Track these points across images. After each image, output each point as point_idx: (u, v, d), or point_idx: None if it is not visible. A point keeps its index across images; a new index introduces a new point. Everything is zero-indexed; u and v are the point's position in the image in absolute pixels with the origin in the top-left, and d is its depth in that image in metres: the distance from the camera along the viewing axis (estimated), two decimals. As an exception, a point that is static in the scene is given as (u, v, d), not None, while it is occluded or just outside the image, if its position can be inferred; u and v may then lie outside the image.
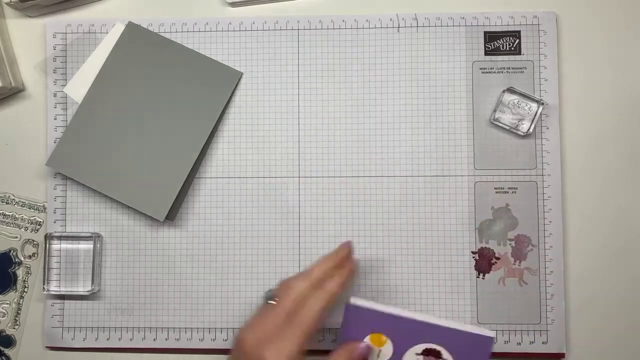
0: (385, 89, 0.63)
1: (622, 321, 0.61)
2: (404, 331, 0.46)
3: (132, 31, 0.63)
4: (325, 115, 0.63)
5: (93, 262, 0.62)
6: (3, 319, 0.64)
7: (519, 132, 0.61)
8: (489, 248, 0.61)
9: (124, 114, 0.62)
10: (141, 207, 0.61)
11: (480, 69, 0.62)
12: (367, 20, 0.63)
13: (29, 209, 0.64)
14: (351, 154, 0.63)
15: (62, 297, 0.63)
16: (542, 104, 0.61)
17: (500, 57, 0.62)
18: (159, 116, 0.62)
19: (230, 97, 0.63)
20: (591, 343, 0.61)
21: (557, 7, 0.63)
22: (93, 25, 0.64)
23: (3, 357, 0.64)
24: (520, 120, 0.61)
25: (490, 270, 0.61)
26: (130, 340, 0.62)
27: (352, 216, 0.62)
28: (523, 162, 0.62)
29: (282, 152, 0.63)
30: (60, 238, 0.63)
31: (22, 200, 0.64)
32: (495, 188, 0.62)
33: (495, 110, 0.61)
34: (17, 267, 0.64)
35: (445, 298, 0.61)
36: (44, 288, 0.62)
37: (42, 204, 0.64)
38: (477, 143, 0.62)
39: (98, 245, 0.63)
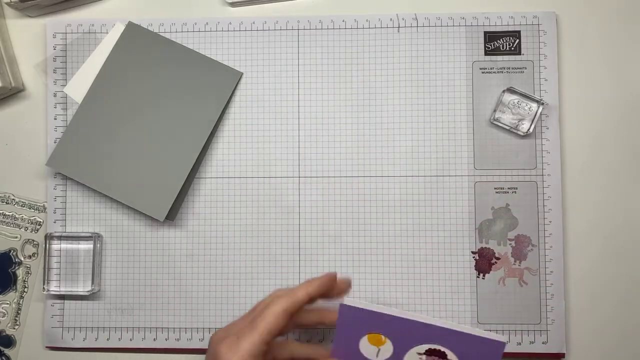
0: (385, 89, 0.63)
1: (622, 321, 0.61)
2: (404, 332, 0.45)
3: (132, 31, 0.63)
4: (325, 115, 0.63)
5: (93, 262, 0.62)
6: (3, 319, 0.64)
7: (519, 132, 0.61)
8: (489, 248, 0.61)
9: (124, 114, 0.62)
10: (141, 207, 0.61)
11: (480, 69, 0.62)
12: (367, 20, 0.63)
13: (29, 209, 0.64)
14: (351, 154, 0.63)
15: (62, 297, 0.63)
16: (542, 104, 0.61)
17: (500, 57, 0.62)
18: (159, 116, 0.62)
19: (230, 97, 0.63)
20: (591, 343, 0.61)
21: (557, 7, 0.63)
22: (93, 25, 0.64)
23: (3, 357, 0.64)
24: (520, 120, 0.61)
25: (490, 270, 0.61)
26: (130, 340, 0.62)
27: (352, 216, 0.62)
28: (523, 162, 0.62)
29: (282, 152, 0.63)
30: (60, 238, 0.63)
31: (22, 200, 0.64)
32: (495, 188, 0.62)
33: (495, 110, 0.61)
34: (17, 267, 0.64)
35: (445, 298, 0.61)
36: (44, 288, 0.62)
37: (42, 204, 0.64)
38: (477, 143, 0.62)
39: (98, 245, 0.63)
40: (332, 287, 0.51)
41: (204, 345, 0.62)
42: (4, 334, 0.64)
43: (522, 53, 0.62)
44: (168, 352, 0.63)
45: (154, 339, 0.62)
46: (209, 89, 0.62)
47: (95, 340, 0.63)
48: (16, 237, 0.65)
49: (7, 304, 0.64)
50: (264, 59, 0.63)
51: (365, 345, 0.46)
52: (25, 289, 0.64)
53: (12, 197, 0.65)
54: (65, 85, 0.64)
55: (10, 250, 0.65)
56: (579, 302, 0.62)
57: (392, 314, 0.45)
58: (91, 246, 0.63)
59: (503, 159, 0.62)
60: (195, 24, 0.64)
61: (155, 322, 0.62)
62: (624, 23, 0.63)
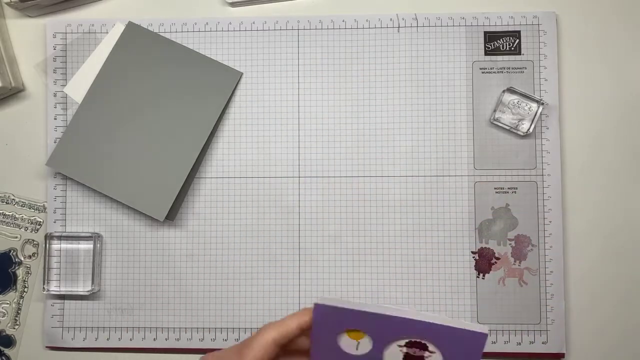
0: (385, 89, 0.63)
1: (622, 321, 0.61)
2: (382, 327, 0.44)
3: (132, 31, 0.63)
4: (325, 115, 0.63)
5: (93, 262, 0.62)
6: (3, 319, 0.64)
7: (519, 132, 0.61)
8: (489, 248, 0.61)
9: (124, 114, 0.62)
10: (141, 207, 0.61)
11: (480, 69, 0.62)
12: (367, 20, 0.63)
13: (29, 209, 0.64)
14: (351, 154, 0.63)
15: (62, 297, 0.63)
16: (542, 104, 0.61)
17: (500, 57, 0.62)
18: (159, 116, 0.62)
19: (230, 97, 0.63)
20: (591, 343, 0.61)
21: (557, 7, 0.63)
22: (93, 25, 0.64)
23: (3, 357, 0.64)
24: (520, 120, 0.61)
25: (490, 270, 0.61)
26: (130, 340, 0.62)
27: (352, 216, 0.62)
28: (523, 162, 0.62)
29: (282, 152, 0.63)
30: (60, 238, 0.63)
31: (22, 200, 0.64)
32: (495, 188, 0.62)
33: (495, 110, 0.61)
34: (17, 267, 0.64)
35: (445, 298, 0.61)
36: (44, 288, 0.62)
37: (42, 204, 0.64)
38: (477, 143, 0.62)
39: (98, 245, 0.63)
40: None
41: (204, 345, 0.62)
42: (4, 334, 0.64)
43: (522, 53, 0.62)
44: (168, 352, 0.63)
45: (154, 339, 0.62)
46: (209, 89, 0.62)
47: (95, 340, 0.63)
48: (16, 237, 0.65)
49: (7, 304, 0.64)
50: (264, 59, 0.63)
51: (344, 339, 0.46)
52: (25, 289, 0.64)
53: (12, 197, 0.65)
54: (65, 85, 0.64)
55: (10, 250, 0.65)
56: (579, 302, 0.62)
57: (369, 311, 0.44)
58: (91, 246, 0.63)
59: (503, 159, 0.62)
60: (195, 24, 0.64)
61: (155, 322, 0.62)
62: (624, 23, 0.63)
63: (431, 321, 0.42)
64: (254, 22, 0.63)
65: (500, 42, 0.62)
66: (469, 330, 0.42)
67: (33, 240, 0.64)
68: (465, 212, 0.62)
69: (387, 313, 0.43)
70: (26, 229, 0.64)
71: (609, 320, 0.62)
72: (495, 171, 0.62)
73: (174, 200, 0.61)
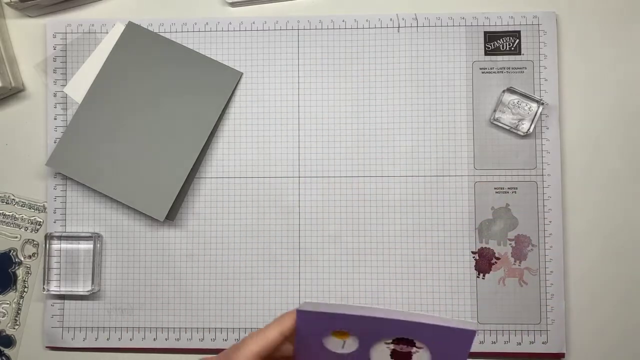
0: (385, 89, 0.63)
1: (622, 321, 0.61)
2: (368, 328, 0.44)
3: (132, 31, 0.63)
4: (325, 115, 0.63)
5: (93, 262, 0.62)
6: (3, 319, 0.64)
7: (519, 132, 0.61)
8: (489, 248, 0.61)
9: (124, 114, 0.62)
10: (141, 207, 0.61)
11: (480, 69, 0.62)
12: (367, 20, 0.63)
13: (29, 209, 0.64)
14: (351, 154, 0.63)
15: (62, 297, 0.63)
16: (542, 104, 0.61)
17: (500, 57, 0.62)
18: (159, 116, 0.62)
19: (230, 97, 0.63)
20: (591, 343, 0.61)
21: (557, 7, 0.63)
22: (93, 25, 0.64)
23: (3, 357, 0.64)
24: (520, 120, 0.61)
25: (490, 270, 0.61)
26: (130, 340, 0.62)
27: (352, 216, 0.62)
28: (523, 162, 0.62)
29: (282, 152, 0.63)
30: (60, 238, 0.63)
31: (22, 200, 0.64)
32: (495, 188, 0.62)
33: (495, 110, 0.61)
34: (17, 267, 0.64)
35: (445, 298, 0.61)
36: (44, 288, 0.62)
37: (42, 204, 0.64)
38: (477, 143, 0.62)
39: (98, 245, 0.63)
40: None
41: (204, 345, 0.62)
42: (4, 334, 0.64)
43: (522, 53, 0.62)
44: (168, 352, 0.63)
45: (154, 339, 0.62)
46: (209, 89, 0.62)
47: (95, 340, 0.63)
48: (16, 237, 0.65)
49: (7, 304, 0.64)
50: (264, 59, 0.63)
51: (329, 340, 0.45)
52: (25, 289, 0.64)
53: (12, 197, 0.65)
54: (65, 85, 0.64)
55: (10, 250, 0.65)
56: (579, 302, 0.62)
57: (353, 314, 0.43)
58: (91, 246, 0.63)
59: (503, 159, 0.62)
60: (195, 24, 0.64)
61: (155, 322, 0.62)
62: (624, 23, 0.63)
63: (417, 320, 0.41)
64: (254, 22, 0.63)
65: (500, 42, 0.62)
66: (456, 328, 0.41)
67: (33, 240, 0.64)
68: (465, 212, 0.62)
69: (372, 315, 0.42)
70: (26, 229, 0.64)
71: (609, 320, 0.62)
72: (495, 171, 0.62)
73: (174, 200, 0.61)
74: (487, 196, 0.62)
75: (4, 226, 0.65)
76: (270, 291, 0.62)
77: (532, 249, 0.61)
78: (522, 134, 0.61)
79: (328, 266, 0.62)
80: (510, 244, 0.61)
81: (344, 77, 0.63)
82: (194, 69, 0.63)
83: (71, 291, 0.62)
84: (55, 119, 0.64)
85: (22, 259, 0.65)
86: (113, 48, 0.63)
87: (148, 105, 0.62)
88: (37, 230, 0.64)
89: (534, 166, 0.62)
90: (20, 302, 0.64)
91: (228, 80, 0.63)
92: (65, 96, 0.64)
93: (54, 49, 0.64)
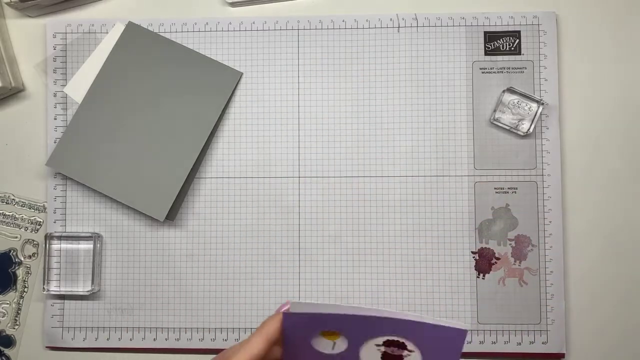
0: (385, 89, 0.63)
1: (622, 321, 0.61)
2: (357, 328, 0.43)
3: (132, 31, 0.63)
4: (325, 115, 0.63)
5: (93, 262, 0.62)
6: (3, 319, 0.64)
7: (519, 132, 0.61)
8: (489, 248, 0.61)
9: (124, 114, 0.62)
10: (141, 207, 0.61)
11: (480, 69, 0.62)
12: (367, 20, 0.63)
13: (29, 209, 0.64)
14: (351, 154, 0.63)
15: (62, 297, 0.63)
16: (542, 104, 0.61)
17: (500, 57, 0.62)
18: (159, 116, 0.62)
19: (230, 97, 0.63)
20: (591, 343, 0.61)
21: (557, 7, 0.63)
22: (93, 25, 0.64)
23: (3, 357, 0.64)
24: (520, 120, 0.61)
25: (490, 270, 0.61)
26: (130, 340, 0.62)
27: (352, 216, 0.62)
28: (523, 162, 0.62)
29: (282, 152, 0.63)
30: (60, 238, 0.63)
31: (22, 200, 0.64)
32: (495, 188, 0.62)
33: (495, 110, 0.61)
34: (17, 267, 0.64)
35: (445, 298, 0.61)
36: (44, 288, 0.62)
37: (42, 204, 0.64)
38: (477, 143, 0.62)
39: (98, 245, 0.63)
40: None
41: (204, 345, 0.62)
42: (4, 334, 0.64)
43: (522, 53, 0.62)
44: (168, 352, 0.63)
45: (154, 339, 0.62)
46: (209, 89, 0.62)
47: (95, 340, 0.63)
48: (16, 237, 0.65)
49: (7, 304, 0.64)
50: (264, 59, 0.63)
51: (318, 341, 0.44)
52: (25, 289, 0.64)
53: (12, 197, 0.65)
54: (65, 85, 0.64)
55: (10, 250, 0.65)
56: (579, 302, 0.62)
57: (342, 313, 0.42)
58: (91, 246, 0.63)
59: (503, 159, 0.62)
60: (195, 24, 0.64)
61: (155, 322, 0.62)
62: (624, 23, 0.63)
63: (407, 319, 0.41)
64: (254, 22, 0.63)
65: (500, 42, 0.62)
66: (448, 327, 0.40)
67: (33, 240, 0.64)
68: (465, 212, 0.62)
69: (360, 313, 0.41)
70: (26, 229, 0.64)
71: (609, 320, 0.62)
72: (495, 171, 0.62)
73: (174, 200, 0.61)
74: (487, 196, 0.62)
75: (4, 226, 0.65)
76: (270, 291, 0.62)
77: (532, 249, 0.61)
78: (522, 134, 0.61)
79: (328, 266, 0.62)
80: (510, 244, 0.61)
81: (344, 77, 0.63)
82: (194, 69, 0.63)
83: (71, 291, 0.62)
84: (55, 119, 0.64)
85: (22, 259, 0.65)
86: (113, 48, 0.63)
87: (148, 105, 0.62)
88: (37, 230, 0.64)
89: (534, 166, 0.62)
90: (20, 302, 0.64)
91: (228, 80, 0.63)
92: (65, 96, 0.64)
93: (54, 49, 0.64)
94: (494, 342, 0.61)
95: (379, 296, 0.61)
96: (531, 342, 0.61)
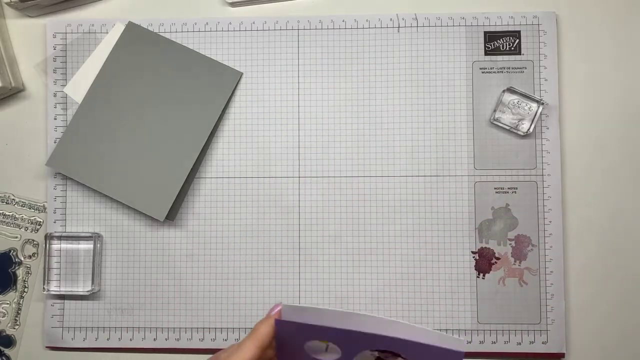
0: (385, 89, 0.63)
1: (622, 321, 0.61)
2: (350, 341, 0.42)
3: (132, 31, 0.63)
4: (325, 115, 0.63)
5: (93, 262, 0.62)
6: (3, 319, 0.64)
7: (519, 132, 0.61)
8: (489, 248, 0.61)
9: (124, 114, 0.62)
10: (141, 207, 0.61)
11: (480, 69, 0.62)
12: (367, 20, 0.63)
13: (29, 209, 0.64)
14: (351, 154, 0.63)
15: (62, 297, 0.63)
16: (542, 104, 0.61)
17: (500, 57, 0.62)
18: (159, 116, 0.62)
19: (230, 97, 0.63)
20: (591, 343, 0.61)
21: (557, 7, 0.63)
22: (93, 25, 0.64)
23: (3, 357, 0.64)
24: (520, 120, 0.61)
25: (490, 270, 0.61)
26: (130, 340, 0.62)
27: (352, 216, 0.62)
28: (523, 162, 0.62)
29: (282, 152, 0.63)
30: (60, 238, 0.63)
31: (22, 200, 0.64)
32: (495, 188, 0.62)
33: (495, 110, 0.61)
34: (17, 267, 0.64)
35: (445, 298, 0.61)
36: (44, 288, 0.62)
37: (42, 204, 0.64)
38: (477, 143, 0.62)
39: (98, 245, 0.63)
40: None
41: (204, 345, 0.62)
42: (4, 334, 0.64)
43: (522, 53, 0.62)
44: (168, 352, 0.63)
45: (154, 339, 0.62)
46: (209, 89, 0.62)
47: (95, 340, 0.63)
48: (16, 237, 0.65)
49: (7, 304, 0.64)
50: (264, 59, 0.63)
51: (311, 344, 0.43)
52: (25, 289, 0.64)
53: (12, 197, 0.65)
54: (65, 85, 0.64)
55: (10, 250, 0.65)
56: (578, 302, 0.62)
57: (335, 327, 0.41)
58: (91, 246, 0.63)
59: (503, 159, 0.62)
60: (195, 24, 0.64)
61: (155, 322, 0.62)
62: (624, 23, 0.63)
63: (403, 338, 0.39)
64: (254, 22, 0.63)
65: (500, 42, 0.62)
66: (443, 348, 0.39)
67: (33, 240, 0.64)
68: (465, 212, 0.62)
69: (355, 329, 0.40)
70: (26, 229, 0.64)
71: (609, 320, 0.62)
72: (495, 171, 0.62)
73: (174, 200, 0.61)
74: (487, 196, 0.62)
75: (4, 226, 0.65)
76: (270, 291, 0.62)
77: (532, 249, 0.61)
78: (522, 134, 0.61)
79: (328, 266, 0.62)
80: (510, 244, 0.61)
81: (344, 77, 0.63)
82: (194, 69, 0.63)
83: (71, 291, 0.62)
84: (55, 119, 0.64)
85: (22, 259, 0.65)
86: (113, 48, 0.63)
87: (148, 105, 0.62)
88: (37, 230, 0.64)
89: (534, 166, 0.62)
90: (20, 302, 0.64)
91: (228, 80, 0.63)
92: (65, 96, 0.64)
93: (54, 49, 0.64)
94: (494, 342, 0.61)
95: (379, 296, 0.61)
96: (531, 342, 0.61)
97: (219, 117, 0.62)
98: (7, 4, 0.62)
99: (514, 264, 0.61)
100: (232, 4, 0.64)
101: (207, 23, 0.64)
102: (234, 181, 0.63)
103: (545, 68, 0.62)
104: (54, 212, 0.63)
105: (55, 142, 0.63)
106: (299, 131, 0.63)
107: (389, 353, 0.42)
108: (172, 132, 0.62)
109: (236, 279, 0.62)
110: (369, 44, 0.63)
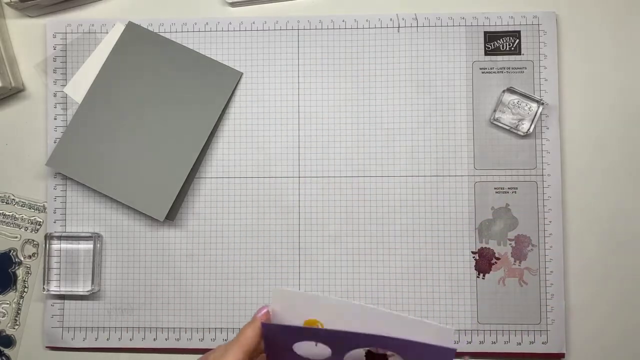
0: (385, 89, 0.63)
1: (622, 321, 0.61)
2: (340, 341, 0.42)
3: (132, 31, 0.63)
4: (326, 115, 0.63)
5: (93, 262, 0.62)
6: (3, 319, 0.64)
7: (519, 132, 0.61)
8: (489, 248, 0.61)
9: (124, 114, 0.62)
10: (141, 207, 0.61)
11: (480, 69, 0.62)
12: (367, 20, 0.63)
13: (29, 209, 0.64)
14: (351, 154, 0.63)
15: (62, 297, 0.63)
16: (542, 104, 0.61)
17: (500, 57, 0.62)
18: (159, 116, 0.62)
19: (230, 97, 0.63)
20: (591, 343, 0.61)
21: (557, 7, 0.63)
22: (93, 25, 0.64)
23: (3, 357, 0.64)
24: (520, 120, 0.61)
25: (490, 270, 0.61)
26: (130, 340, 0.62)
27: (352, 216, 0.62)
28: (523, 162, 0.62)
29: (282, 152, 0.63)
30: (60, 238, 0.63)
31: (22, 200, 0.64)
32: (495, 188, 0.62)
33: (495, 110, 0.61)
34: (17, 267, 0.64)
35: (445, 298, 0.61)
36: (44, 288, 0.62)
37: (42, 204, 0.64)
38: (477, 143, 0.62)
39: (98, 245, 0.63)
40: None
41: (204, 345, 0.62)
42: (4, 334, 0.64)
43: (522, 53, 0.62)
44: (168, 352, 0.63)
45: (154, 339, 0.62)
46: (209, 89, 0.62)
47: (95, 340, 0.63)
48: (16, 237, 0.65)
49: (7, 304, 0.64)
50: (264, 59, 0.63)
51: (300, 345, 0.44)
52: (25, 289, 0.64)
53: (12, 197, 0.65)
54: (65, 85, 0.64)
55: (10, 250, 0.65)
56: (578, 302, 0.62)
57: (322, 329, 0.41)
58: (91, 246, 0.63)
59: (503, 159, 0.62)
60: (195, 24, 0.64)
61: (155, 322, 0.62)
62: (624, 23, 0.63)
63: (391, 336, 0.39)
64: (254, 22, 0.63)
65: (500, 42, 0.62)
66: (434, 346, 0.39)
67: (33, 240, 0.64)
68: (465, 212, 0.62)
69: (343, 329, 0.40)
70: (26, 229, 0.64)
71: (609, 320, 0.62)
72: (495, 171, 0.62)
73: (174, 200, 0.61)
74: (487, 196, 0.62)
75: (4, 226, 0.65)
76: (270, 291, 0.62)
77: (532, 249, 0.61)
78: (522, 134, 0.61)
79: (328, 266, 0.62)
80: (510, 244, 0.61)
81: (344, 77, 0.63)
82: (194, 69, 0.63)
83: (71, 291, 0.62)
84: (55, 119, 0.64)
85: (22, 259, 0.65)
86: (113, 48, 0.63)
87: (148, 105, 0.62)
88: (37, 230, 0.64)
89: (534, 166, 0.62)
90: (20, 302, 0.64)
91: (228, 80, 0.63)
92: (65, 96, 0.64)
93: (54, 49, 0.64)
94: (494, 342, 0.61)
95: (379, 296, 0.61)
96: (531, 342, 0.61)
97: (219, 117, 0.62)
98: (7, 4, 0.62)
99: (514, 264, 0.61)
100: (232, 4, 0.64)
101: (207, 23, 0.64)
102: (234, 181, 0.63)
103: (545, 68, 0.62)
104: (54, 212, 0.63)
105: (55, 142, 0.63)
106: (299, 131, 0.63)
107: (379, 346, 0.42)
108: (172, 132, 0.62)
109: (236, 279, 0.62)
110: (369, 44, 0.63)
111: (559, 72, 0.62)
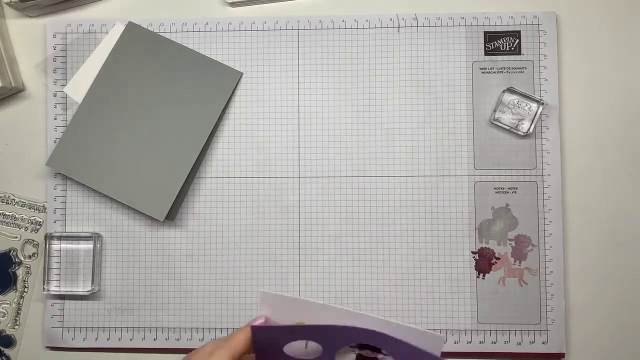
0: (385, 89, 0.63)
1: (622, 321, 0.61)
2: (330, 338, 0.42)
3: (132, 31, 0.63)
4: (325, 115, 0.63)
5: (93, 262, 0.62)
6: (3, 319, 0.64)
7: (519, 132, 0.61)
8: (489, 248, 0.61)
9: (124, 114, 0.62)
10: (141, 207, 0.61)
11: (480, 69, 0.62)
12: (367, 20, 0.63)
13: (29, 209, 0.64)
14: (351, 153, 0.63)
15: (62, 297, 0.63)
16: (542, 104, 0.61)
17: (500, 57, 0.62)
18: (159, 116, 0.62)
19: (230, 97, 0.63)
20: (591, 343, 0.61)
21: (557, 7, 0.63)
22: (93, 25, 0.64)
23: (3, 357, 0.64)
24: (520, 120, 0.61)
25: (490, 270, 0.61)
26: (130, 340, 0.62)
27: (352, 216, 0.62)
28: (523, 162, 0.62)
29: (282, 152, 0.63)
30: (60, 238, 0.63)
31: (22, 200, 0.64)
32: (495, 188, 0.62)
33: (495, 110, 0.61)
34: (17, 267, 0.64)
35: (445, 298, 0.61)
36: (44, 288, 0.62)
37: (42, 204, 0.64)
38: (477, 143, 0.62)
39: (98, 245, 0.63)
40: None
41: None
42: (4, 334, 0.64)
43: (522, 53, 0.62)
44: (168, 352, 0.63)
45: (154, 339, 0.62)
46: (209, 89, 0.62)
47: (95, 340, 0.63)
48: (16, 237, 0.65)
49: (7, 304, 0.64)
50: (264, 59, 0.63)
51: (291, 346, 0.44)
52: (25, 289, 0.64)
53: (12, 197, 0.65)
54: (65, 85, 0.64)
55: (10, 250, 0.65)
56: (578, 302, 0.62)
57: (312, 324, 0.41)
58: (91, 246, 0.63)
59: (503, 159, 0.62)
60: (195, 24, 0.64)
61: (155, 322, 0.62)
62: (624, 23, 0.63)
63: (381, 332, 0.40)
64: (254, 22, 0.63)
65: (500, 42, 0.62)
66: (423, 351, 0.39)
67: (33, 240, 0.64)
68: (465, 212, 0.62)
69: (333, 324, 0.40)
70: (26, 229, 0.64)
71: (609, 320, 0.62)
72: (495, 171, 0.62)
73: (174, 200, 0.61)
74: (487, 196, 0.62)
75: (4, 226, 0.65)
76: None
77: (532, 249, 0.61)
78: (522, 134, 0.61)
79: (328, 266, 0.62)
80: (510, 244, 0.61)
81: (344, 77, 0.63)
82: (194, 69, 0.63)
83: (71, 291, 0.62)
84: (55, 119, 0.64)
85: (22, 259, 0.65)
86: (113, 48, 0.63)
87: (148, 105, 0.62)
88: (37, 230, 0.64)
89: (534, 166, 0.62)
90: (20, 302, 0.64)
91: (228, 80, 0.63)
92: (65, 96, 0.64)
93: (54, 49, 0.64)
94: (494, 342, 0.61)
95: (379, 296, 0.61)
96: (531, 342, 0.61)
97: (219, 117, 0.62)
98: (7, 4, 0.62)
99: (514, 264, 0.61)
100: (232, 4, 0.64)
101: (207, 23, 0.64)
102: (234, 181, 0.63)
103: (545, 68, 0.62)
104: (54, 212, 0.63)
105: (55, 142, 0.63)
106: (299, 131, 0.63)
107: (369, 349, 0.42)
108: (172, 132, 0.62)
109: (236, 279, 0.62)
110: (369, 44, 0.63)
111: (559, 72, 0.62)
